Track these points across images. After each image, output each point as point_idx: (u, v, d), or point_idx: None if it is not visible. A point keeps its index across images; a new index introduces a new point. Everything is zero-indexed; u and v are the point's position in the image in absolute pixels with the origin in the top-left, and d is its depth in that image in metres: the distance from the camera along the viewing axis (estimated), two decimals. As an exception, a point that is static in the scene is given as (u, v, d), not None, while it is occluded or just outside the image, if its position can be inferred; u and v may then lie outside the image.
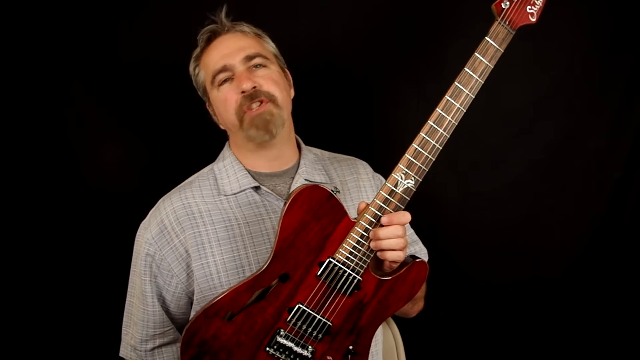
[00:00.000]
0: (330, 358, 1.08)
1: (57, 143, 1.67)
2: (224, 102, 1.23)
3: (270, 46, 1.31)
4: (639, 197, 1.77)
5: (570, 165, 1.80)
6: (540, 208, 1.83)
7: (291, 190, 1.21)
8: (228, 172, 1.28)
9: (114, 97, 1.68)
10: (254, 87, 1.20)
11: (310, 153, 1.37)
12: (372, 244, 1.05)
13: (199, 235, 1.21)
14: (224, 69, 1.23)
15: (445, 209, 1.83)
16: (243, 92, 1.20)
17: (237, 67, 1.22)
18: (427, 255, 1.47)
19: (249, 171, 1.28)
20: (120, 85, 1.68)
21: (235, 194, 1.25)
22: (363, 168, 1.42)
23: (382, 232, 1.04)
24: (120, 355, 1.33)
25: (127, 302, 1.32)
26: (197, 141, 1.58)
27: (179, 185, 1.32)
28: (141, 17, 1.65)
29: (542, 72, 1.69)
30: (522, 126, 1.78)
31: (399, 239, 1.05)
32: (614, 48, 1.72)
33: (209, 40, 1.27)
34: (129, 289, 1.32)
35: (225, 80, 1.23)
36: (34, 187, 1.67)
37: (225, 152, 1.34)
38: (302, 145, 1.37)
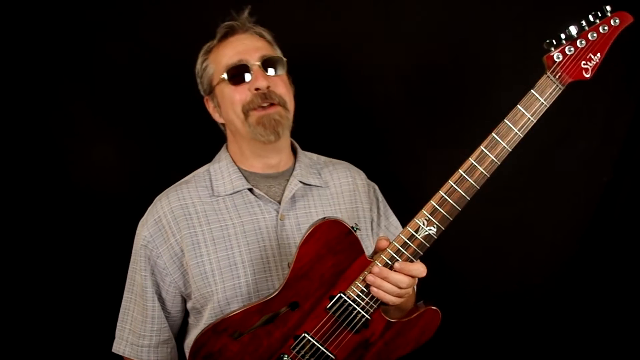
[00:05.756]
0: None
1: (47, 144, 1.64)
2: (233, 97, 1.23)
3: (279, 52, 1.33)
4: (628, 200, 1.74)
5: (560, 168, 1.75)
6: (529, 210, 1.79)
7: (285, 192, 1.25)
8: (223, 173, 1.30)
9: (105, 97, 1.67)
10: (268, 87, 1.22)
11: (306, 157, 1.38)
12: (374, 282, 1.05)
13: (194, 235, 1.23)
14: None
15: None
16: (257, 89, 1.21)
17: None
18: None
19: (243, 173, 1.29)
20: (111, 84, 1.67)
21: (228, 195, 1.27)
22: (358, 174, 1.42)
23: (379, 282, 1.04)
24: (113, 350, 1.34)
25: (124, 298, 1.33)
26: (191, 142, 1.58)
27: (176, 183, 1.33)
28: (132, 16, 1.64)
29: (533, 73, 1.64)
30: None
31: (399, 290, 1.04)
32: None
33: (225, 36, 1.28)
34: (127, 286, 1.33)
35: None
36: (25, 188, 1.63)
37: (222, 153, 1.35)
38: (299, 149, 1.38)
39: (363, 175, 1.43)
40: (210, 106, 1.35)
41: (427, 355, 1.85)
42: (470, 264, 1.85)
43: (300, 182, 1.29)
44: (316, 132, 1.52)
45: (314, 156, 1.41)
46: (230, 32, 1.29)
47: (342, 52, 1.67)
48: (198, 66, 1.34)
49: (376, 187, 1.44)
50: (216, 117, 1.34)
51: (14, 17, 1.56)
